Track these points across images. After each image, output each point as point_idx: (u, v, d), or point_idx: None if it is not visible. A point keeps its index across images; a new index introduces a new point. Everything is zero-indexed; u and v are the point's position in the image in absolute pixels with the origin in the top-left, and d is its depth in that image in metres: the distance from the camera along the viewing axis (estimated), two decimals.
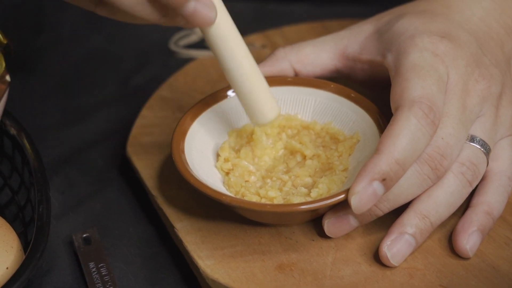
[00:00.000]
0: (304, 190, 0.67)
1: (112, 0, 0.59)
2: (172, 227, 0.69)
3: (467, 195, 0.68)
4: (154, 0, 0.60)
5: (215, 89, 0.74)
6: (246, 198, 0.67)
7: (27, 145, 0.72)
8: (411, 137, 0.64)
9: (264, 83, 0.68)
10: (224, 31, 0.64)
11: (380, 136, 0.67)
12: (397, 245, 0.66)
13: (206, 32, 0.64)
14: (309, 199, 0.66)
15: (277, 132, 0.72)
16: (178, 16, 0.62)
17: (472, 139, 0.68)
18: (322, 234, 0.68)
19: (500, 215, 0.69)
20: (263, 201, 0.67)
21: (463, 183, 0.67)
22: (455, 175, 0.66)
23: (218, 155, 0.71)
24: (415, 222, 0.66)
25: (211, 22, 0.62)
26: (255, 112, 0.68)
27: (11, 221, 0.70)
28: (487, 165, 0.68)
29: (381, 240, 0.66)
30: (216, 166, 0.70)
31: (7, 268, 0.64)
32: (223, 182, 0.69)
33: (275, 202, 0.67)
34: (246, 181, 0.69)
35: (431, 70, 0.67)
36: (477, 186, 0.69)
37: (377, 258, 0.66)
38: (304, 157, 0.70)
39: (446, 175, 0.66)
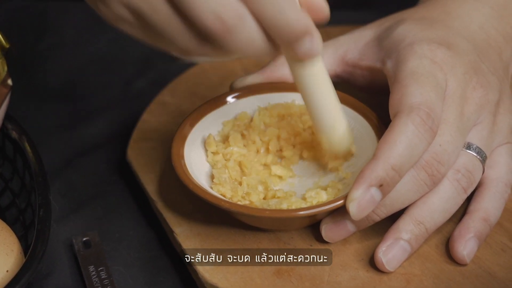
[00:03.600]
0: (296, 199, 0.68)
1: (229, 39, 0.58)
2: (172, 231, 0.70)
3: (462, 202, 0.68)
4: (267, 34, 0.59)
5: (215, 94, 0.74)
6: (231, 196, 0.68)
7: (28, 148, 0.72)
8: (408, 143, 0.64)
9: (345, 118, 0.68)
10: (318, 68, 0.64)
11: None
12: (392, 251, 0.66)
13: (300, 67, 0.64)
14: (304, 205, 0.66)
15: (276, 121, 0.72)
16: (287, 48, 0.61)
17: (469, 146, 0.68)
18: (320, 240, 0.68)
19: (497, 222, 0.69)
20: (240, 197, 0.67)
21: (458, 190, 0.67)
22: (451, 182, 0.67)
23: (206, 150, 0.71)
24: (410, 228, 0.66)
25: (318, 55, 0.62)
26: (334, 142, 0.68)
27: (12, 224, 0.70)
28: (483, 173, 0.69)
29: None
30: (207, 161, 0.71)
31: (7, 271, 0.64)
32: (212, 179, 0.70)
33: (254, 205, 0.67)
34: (235, 179, 0.70)
35: (430, 77, 0.67)
36: (474, 192, 0.70)
37: (374, 263, 0.67)
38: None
39: (441, 181, 0.67)
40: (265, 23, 0.58)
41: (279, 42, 0.60)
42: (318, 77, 0.65)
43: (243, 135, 0.72)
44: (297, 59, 0.63)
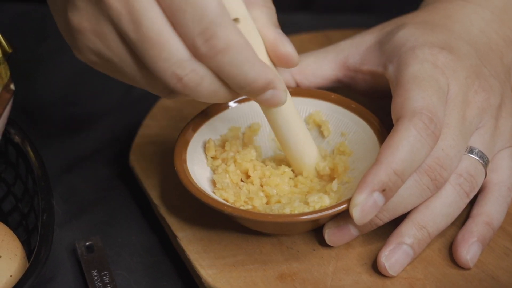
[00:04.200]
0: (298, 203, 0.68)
1: (193, 94, 0.61)
2: (175, 236, 0.70)
3: (464, 206, 0.68)
4: (229, 86, 0.61)
5: None
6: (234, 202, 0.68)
7: (31, 153, 0.72)
8: (410, 148, 0.64)
9: (312, 144, 0.69)
10: (285, 109, 0.66)
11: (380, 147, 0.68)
12: (395, 256, 0.66)
13: (267, 109, 0.66)
14: (307, 210, 0.67)
15: None
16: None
17: (471, 150, 0.68)
18: (323, 244, 0.68)
19: (500, 226, 0.69)
20: (244, 202, 0.68)
21: (461, 194, 0.67)
22: (453, 187, 0.67)
23: (205, 154, 0.71)
24: (412, 233, 0.66)
25: (282, 104, 0.64)
26: (302, 170, 0.70)
27: (15, 229, 0.70)
28: (485, 176, 0.69)
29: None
30: (207, 165, 0.71)
31: (11, 276, 0.64)
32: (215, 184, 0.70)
33: (257, 209, 0.67)
34: (236, 184, 0.70)
35: (432, 81, 0.67)
36: (477, 197, 0.70)
37: (377, 268, 0.67)
38: None
39: (444, 186, 0.67)
40: (225, 80, 0.60)
41: (241, 94, 0.62)
42: (286, 116, 0.66)
43: (244, 143, 0.72)
44: (262, 105, 0.65)
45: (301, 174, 0.70)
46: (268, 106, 0.65)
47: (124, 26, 0.58)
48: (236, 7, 0.61)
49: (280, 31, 0.64)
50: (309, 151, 0.69)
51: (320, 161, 0.70)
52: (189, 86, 0.60)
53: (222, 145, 0.72)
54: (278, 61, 0.64)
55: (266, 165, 0.71)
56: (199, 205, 0.68)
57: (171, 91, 0.62)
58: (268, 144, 0.73)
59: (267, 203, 0.69)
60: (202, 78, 0.60)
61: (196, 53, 0.59)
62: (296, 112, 0.67)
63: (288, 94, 0.65)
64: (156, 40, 0.58)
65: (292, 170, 0.71)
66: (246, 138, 0.73)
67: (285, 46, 0.64)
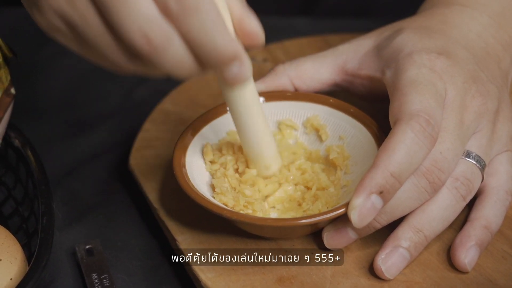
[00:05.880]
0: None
1: (158, 60, 0.58)
2: (174, 239, 0.70)
3: (461, 210, 0.68)
4: (197, 58, 0.59)
5: (217, 103, 0.74)
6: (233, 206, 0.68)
7: (31, 157, 0.73)
8: (407, 150, 0.64)
9: (273, 141, 0.69)
10: (246, 91, 0.65)
11: None
12: (391, 259, 0.66)
13: (230, 90, 0.65)
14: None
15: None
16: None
17: (468, 154, 0.68)
18: (322, 247, 0.68)
19: (498, 229, 0.69)
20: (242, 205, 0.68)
21: (457, 198, 0.67)
22: (449, 190, 0.67)
23: (204, 159, 0.72)
24: (409, 236, 0.67)
25: (246, 80, 0.62)
26: (261, 167, 0.70)
27: (15, 232, 0.70)
28: (482, 180, 0.69)
29: None
30: (206, 169, 0.71)
31: (11, 279, 0.64)
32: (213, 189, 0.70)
33: (257, 215, 0.68)
34: (235, 188, 0.70)
35: (429, 86, 0.67)
36: (475, 200, 0.70)
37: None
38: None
39: (440, 190, 0.67)
40: (192, 46, 0.58)
41: (207, 65, 0.60)
42: (247, 101, 0.66)
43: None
44: (226, 83, 0.63)
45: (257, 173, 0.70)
46: (232, 84, 0.62)
47: None
48: None
49: (247, 9, 0.62)
50: (267, 148, 0.69)
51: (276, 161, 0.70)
52: (156, 48, 0.57)
53: (220, 149, 0.72)
54: (244, 37, 0.62)
55: None
56: (199, 208, 0.68)
57: (132, 57, 0.59)
58: None
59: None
60: (170, 41, 0.57)
61: (166, 12, 0.57)
62: (258, 102, 0.67)
63: (253, 86, 0.65)
64: None
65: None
66: None
67: (251, 22, 0.62)
